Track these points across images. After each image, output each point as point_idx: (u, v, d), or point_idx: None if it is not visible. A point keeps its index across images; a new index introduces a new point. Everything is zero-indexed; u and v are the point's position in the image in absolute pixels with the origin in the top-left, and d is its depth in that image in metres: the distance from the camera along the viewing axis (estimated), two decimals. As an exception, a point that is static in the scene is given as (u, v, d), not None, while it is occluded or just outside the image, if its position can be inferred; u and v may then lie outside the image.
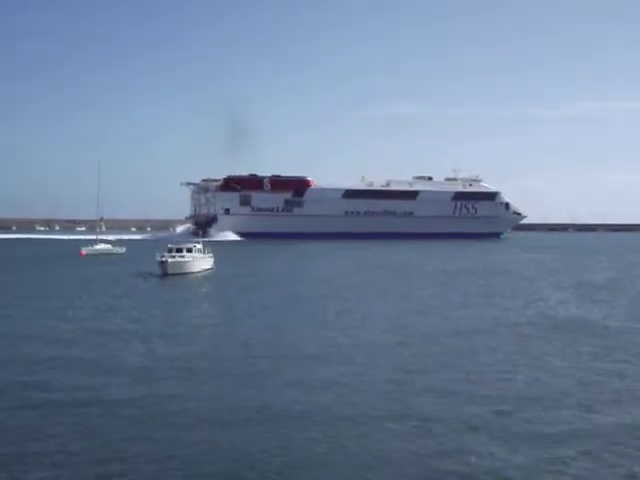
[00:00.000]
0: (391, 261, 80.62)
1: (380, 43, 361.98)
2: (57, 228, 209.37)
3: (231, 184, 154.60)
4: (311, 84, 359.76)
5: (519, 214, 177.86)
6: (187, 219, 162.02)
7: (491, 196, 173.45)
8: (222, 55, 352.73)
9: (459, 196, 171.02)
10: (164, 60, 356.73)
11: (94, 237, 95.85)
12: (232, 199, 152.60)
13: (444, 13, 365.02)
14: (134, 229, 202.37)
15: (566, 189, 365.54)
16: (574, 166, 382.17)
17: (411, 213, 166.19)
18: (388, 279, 56.28)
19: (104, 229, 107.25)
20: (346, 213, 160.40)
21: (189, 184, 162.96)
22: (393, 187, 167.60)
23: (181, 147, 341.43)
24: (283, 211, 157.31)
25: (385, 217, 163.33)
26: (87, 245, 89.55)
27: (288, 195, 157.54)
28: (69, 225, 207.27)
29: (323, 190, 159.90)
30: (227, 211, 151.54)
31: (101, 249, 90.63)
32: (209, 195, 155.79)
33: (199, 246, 62.98)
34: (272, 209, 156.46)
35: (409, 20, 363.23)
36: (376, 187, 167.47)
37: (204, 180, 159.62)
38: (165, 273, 56.35)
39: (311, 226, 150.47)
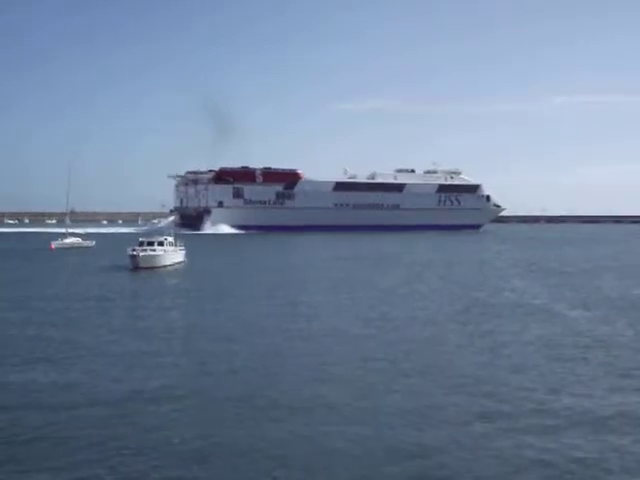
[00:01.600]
0: (371, 253, 79.97)
1: (354, 40, 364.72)
2: (26, 221, 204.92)
3: (223, 176, 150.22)
4: (291, 80, 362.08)
5: (499, 206, 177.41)
6: (172, 212, 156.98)
7: (473, 189, 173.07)
8: (206, 51, 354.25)
9: (443, 189, 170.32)
10: (149, 56, 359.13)
11: (63, 230, 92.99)
12: (225, 192, 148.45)
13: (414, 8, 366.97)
14: (105, 222, 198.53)
15: (535, 182, 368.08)
16: (543, 160, 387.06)
17: (398, 205, 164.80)
18: (359, 269, 56.27)
19: (69, 222, 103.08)
20: (335, 205, 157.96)
21: (177, 176, 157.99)
22: (379, 180, 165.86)
23: (165, 142, 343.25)
24: (275, 204, 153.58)
25: (373, 210, 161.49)
26: (57, 239, 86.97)
27: (279, 188, 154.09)
28: (39, 218, 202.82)
29: (314, 183, 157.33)
30: (220, 204, 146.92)
31: (71, 242, 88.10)
32: (200, 187, 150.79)
33: (170, 239, 60.90)
34: (264, 202, 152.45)
35: (381, 16, 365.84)
36: (363, 180, 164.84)
37: (189, 172, 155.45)
38: (136, 266, 54.36)
39: (302, 219, 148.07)
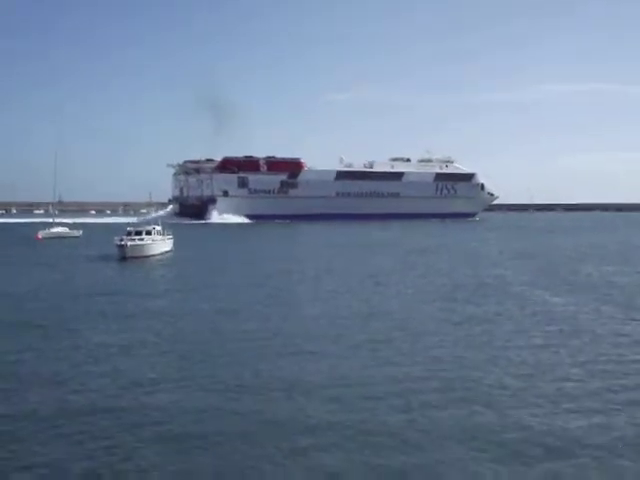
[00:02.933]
0: (372, 240, 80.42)
1: (351, 32, 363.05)
2: (14, 211, 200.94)
3: (228, 165, 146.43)
4: (286, 73, 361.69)
5: (492, 195, 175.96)
6: (170, 201, 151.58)
7: (468, 177, 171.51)
8: (203, 47, 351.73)
9: (440, 177, 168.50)
10: (146, 54, 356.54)
11: (50, 220, 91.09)
12: (230, 181, 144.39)
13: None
14: (93, 212, 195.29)
15: (523, 171, 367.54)
16: (530, 148, 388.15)
17: (397, 194, 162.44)
18: (346, 256, 56.82)
19: (54, 212, 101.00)
20: (337, 194, 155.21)
21: (176, 165, 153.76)
22: (377, 168, 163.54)
23: (161, 135, 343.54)
24: (279, 193, 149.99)
25: (373, 198, 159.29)
26: (44, 228, 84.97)
27: (283, 177, 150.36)
28: (27, 208, 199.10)
29: (316, 172, 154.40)
30: (225, 193, 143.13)
31: (58, 232, 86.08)
32: (203, 177, 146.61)
33: (158, 228, 59.87)
34: (268, 191, 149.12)
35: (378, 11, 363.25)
36: (364, 168, 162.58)
37: (189, 162, 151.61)
38: (124, 256, 52.70)
39: (306, 207, 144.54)
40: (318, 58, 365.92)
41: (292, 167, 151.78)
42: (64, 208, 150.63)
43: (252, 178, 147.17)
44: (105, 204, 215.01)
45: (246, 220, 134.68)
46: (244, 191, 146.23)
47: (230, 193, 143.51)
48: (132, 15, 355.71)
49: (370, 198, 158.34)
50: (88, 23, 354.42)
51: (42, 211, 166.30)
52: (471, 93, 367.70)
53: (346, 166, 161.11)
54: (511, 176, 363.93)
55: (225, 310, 28.28)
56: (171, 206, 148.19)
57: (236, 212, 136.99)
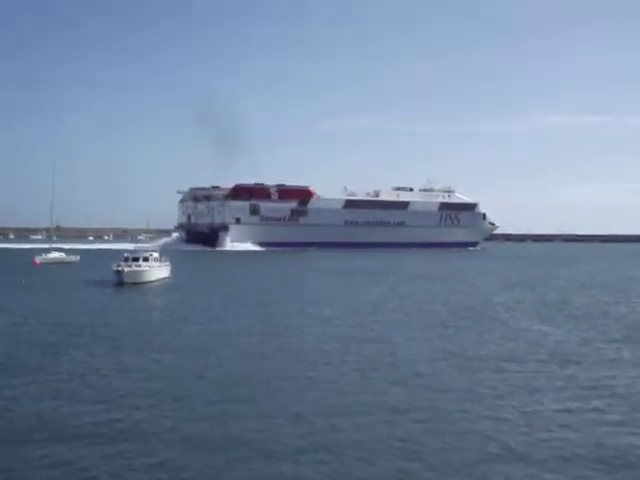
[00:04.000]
0: (385, 269, 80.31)
1: (348, 59, 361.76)
2: (11, 236, 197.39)
3: (239, 193, 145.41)
4: (281, 98, 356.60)
5: (493, 224, 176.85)
6: (176, 228, 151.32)
7: (471, 207, 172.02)
8: (202, 66, 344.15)
9: (444, 207, 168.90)
10: (147, 73, 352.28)
11: (47, 246, 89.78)
12: (242, 208, 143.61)
13: (409, 24, 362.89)
14: (91, 238, 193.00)
15: (521, 201, 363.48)
16: (529, 179, 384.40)
17: (403, 223, 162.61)
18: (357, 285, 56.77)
19: (52, 237, 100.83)
20: (345, 223, 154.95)
21: (185, 192, 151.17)
22: (383, 197, 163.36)
23: (165, 158, 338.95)
24: (289, 220, 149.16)
25: (380, 227, 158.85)
26: (41, 254, 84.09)
27: (293, 204, 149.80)
28: (24, 233, 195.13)
29: (326, 200, 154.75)
30: (238, 220, 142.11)
31: (55, 258, 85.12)
32: (213, 204, 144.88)
33: (155, 255, 58.51)
34: (279, 219, 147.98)
35: (374, 34, 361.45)
36: (371, 197, 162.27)
37: (197, 189, 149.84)
38: (121, 282, 51.65)
39: (315, 236, 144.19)
40: (313, 85, 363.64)
41: (302, 195, 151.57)
42: (62, 233, 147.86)
43: (263, 206, 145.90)
44: (103, 230, 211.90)
45: (259, 248, 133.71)
46: (256, 218, 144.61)
47: (242, 220, 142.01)
48: (128, 34, 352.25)
49: (377, 227, 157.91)
50: (85, 41, 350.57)
51: (40, 236, 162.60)
52: (470, 123, 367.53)
53: (349, 195, 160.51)
54: (509, 206, 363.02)
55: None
56: (175, 234, 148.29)
57: (248, 239, 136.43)
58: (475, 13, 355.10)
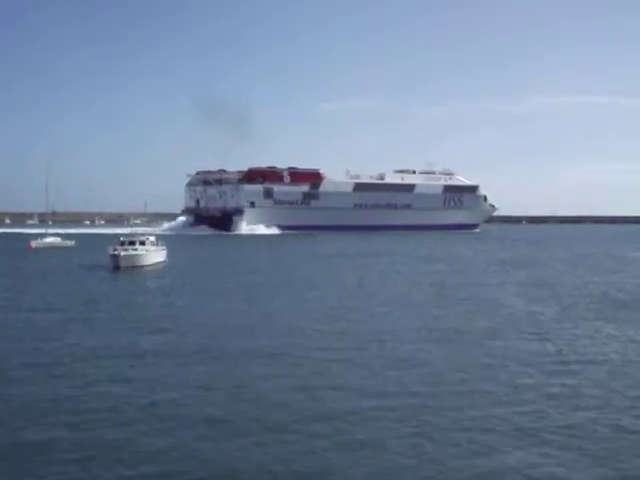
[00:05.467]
0: (359, 250, 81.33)
1: (350, 44, 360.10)
2: (7, 221, 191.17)
3: (253, 176, 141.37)
4: (289, 83, 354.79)
5: (493, 206, 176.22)
6: (184, 212, 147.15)
7: (472, 189, 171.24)
8: (201, 59, 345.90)
9: (447, 189, 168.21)
10: (153, 64, 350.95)
11: (43, 230, 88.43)
12: (257, 192, 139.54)
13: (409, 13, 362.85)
14: (87, 222, 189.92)
15: (517, 183, 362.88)
16: (527, 161, 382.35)
17: (409, 205, 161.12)
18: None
19: (37, 221, 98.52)
20: (355, 206, 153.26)
21: (197, 173, 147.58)
22: (388, 180, 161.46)
23: (163, 143, 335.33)
24: (302, 204, 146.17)
25: (388, 210, 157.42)
26: (36, 238, 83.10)
27: (305, 188, 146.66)
28: (20, 218, 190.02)
29: (336, 183, 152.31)
30: (252, 204, 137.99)
31: (50, 242, 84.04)
32: (226, 187, 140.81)
33: (152, 238, 57.62)
34: (292, 202, 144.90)
35: (376, 21, 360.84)
36: (380, 180, 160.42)
37: (207, 172, 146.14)
38: (117, 266, 50.77)
39: (326, 219, 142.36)
40: (313, 67, 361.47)
41: (313, 178, 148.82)
42: (58, 218, 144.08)
43: (277, 189, 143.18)
44: (99, 214, 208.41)
45: (277, 231, 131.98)
46: (269, 202, 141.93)
47: (256, 204, 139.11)
48: (131, 29, 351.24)
49: (384, 210, 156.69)
50: (87, 33, 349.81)
51: (36, 221, 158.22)
52: (468, 104, 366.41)
53: (353, 177, 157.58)
54: (506, 188, 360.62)
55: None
56: (181, 217, 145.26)
57: (262, 223, 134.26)
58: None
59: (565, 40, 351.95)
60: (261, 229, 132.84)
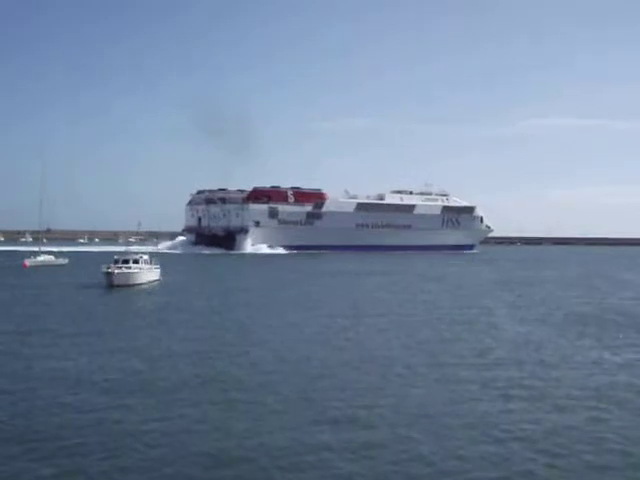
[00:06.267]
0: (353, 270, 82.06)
1: (342, 60, 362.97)
2: (1, 239, 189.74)
3: (258, 196, 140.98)
4: (282, 99, 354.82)
5: (489, 227, 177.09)
6: (185, 230, 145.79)
7: (469, 210, 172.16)
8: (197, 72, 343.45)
9: (446, 210, 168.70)
10: (150, 79, 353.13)
11: (37, 249, 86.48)
12: (262, 211, 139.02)
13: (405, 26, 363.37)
14: (82, 240, 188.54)
15: (513, 205, 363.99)
16: (520, 182, 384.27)
17: (409, 226, 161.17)
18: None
19: (30, 239, 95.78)
20: (357, 226, 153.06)
21: (198, 193, 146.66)
22: (388, 201, 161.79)
23: (159, 162, 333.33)
24: (305, 224, 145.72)
25: (388, 230, 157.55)
26: (30, 256, 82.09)
27: (309, 208, 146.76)
28: (14, 236, 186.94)
29: (339, 203, 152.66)
30: (257, 223, 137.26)
31: (43, 260, 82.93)
32: (230, 207, 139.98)
33: (146, 257, 56.80)
34: (296, 222, 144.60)
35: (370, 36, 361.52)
36: (378, 201, 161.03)
37: (203, 191, 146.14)
38: (111, 284, 49.97)
39: (328, 238, 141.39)
40: (306, 86, 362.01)
41: (316, 198, 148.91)
42: (52, 236, 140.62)
43: (281, 209, 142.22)
44: (94, 233, 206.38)
45: (282, 251, 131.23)
46: (274, 222, 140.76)
47: (261, 223, 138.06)
48: (129, 36, 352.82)
49: (385, 230, 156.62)
50: (84, 45, 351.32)
51: (30, 239, 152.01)
52: (457, 126, 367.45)
53: (351, 197, 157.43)
54: (500, 210, 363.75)
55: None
56: (180, 237, 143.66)
57: (267, 242, 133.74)
58: (478, 12, 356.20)
59: (558, 62, 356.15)
60: (266, 249, 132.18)
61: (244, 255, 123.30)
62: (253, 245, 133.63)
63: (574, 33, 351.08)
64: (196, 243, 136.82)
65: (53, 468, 13.13)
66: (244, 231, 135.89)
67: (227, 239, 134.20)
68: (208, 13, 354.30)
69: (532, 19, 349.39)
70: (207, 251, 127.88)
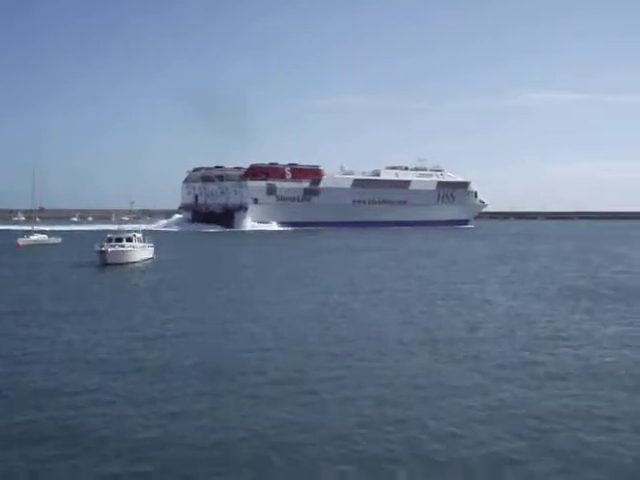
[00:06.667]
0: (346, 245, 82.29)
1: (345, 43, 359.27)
2: None
3: (256, 172, 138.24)
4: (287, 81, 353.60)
5: (483, 202, 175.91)
6: (181, 208, 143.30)
7: (464, 185, 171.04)
8: (197, 58, 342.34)
9: (441, 185, 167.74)
10: (149, 62, 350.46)
11: (30, 228, 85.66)
12: (260, 188, 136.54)
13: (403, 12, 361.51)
14: (75, 219, 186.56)
15: (508, 179, 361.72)
16: (516, 158, 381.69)
17: (405, 201, 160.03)
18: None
19: (22, 218, 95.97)
20: (353, 202, 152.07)
21: (195, 170, 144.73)
22: (384, 177, 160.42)
23: (151, 141, 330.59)
24: (302, 200, 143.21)
25: (384, 206, 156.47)
26: (23, 235, 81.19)
27: (306, 184, 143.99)
28: (7, 215, 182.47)
29: (335, 179, 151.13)
30: (256, 201, 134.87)
31: (37, 239, 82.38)
32: (228, 184, 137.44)
33: (139, 235, 56.47)
34: (293, 198, 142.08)
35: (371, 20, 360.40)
36: (374, 177, 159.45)
37: (199, 169, 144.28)
38: (104, 263, 49.70)
39: (326, 215, 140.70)
40: (307, 65, 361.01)
41: (313, 174, 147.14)
42: (45, 215, 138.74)
43: (279, 185, 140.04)
44: (87, 211, 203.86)
45: (280, 227, 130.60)
46: (272, 198, 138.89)
47: (260, 200, 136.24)
48: (126, 26, 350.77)
49: (381, 206, 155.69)
50: (82, 32, 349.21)
51: (23, 218, 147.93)
52: (454, 100, 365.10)
53: (346, 174, 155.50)
54: (493, 184, 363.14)
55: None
56: (177, 215, 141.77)
57: (265, 219, 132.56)
58: (475, 3, 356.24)
59: (553, 37, 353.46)
60: (265, 225, 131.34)
61: (244, 232, 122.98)
62: (252, 222, 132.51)
63: (569, 22, 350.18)
64: (193, 221, 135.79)
65: (47, 450, 13.06)
66: (243, 208, 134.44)
67: (225, 217, 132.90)
68: (205, 4, 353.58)
69: (528, 10, 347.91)
70: (205, 229, 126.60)
